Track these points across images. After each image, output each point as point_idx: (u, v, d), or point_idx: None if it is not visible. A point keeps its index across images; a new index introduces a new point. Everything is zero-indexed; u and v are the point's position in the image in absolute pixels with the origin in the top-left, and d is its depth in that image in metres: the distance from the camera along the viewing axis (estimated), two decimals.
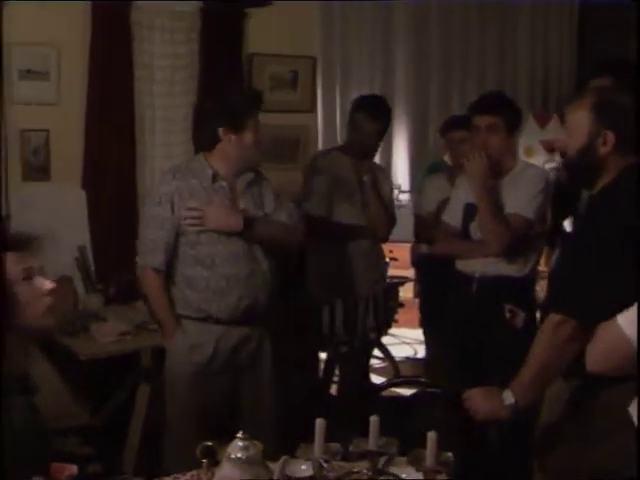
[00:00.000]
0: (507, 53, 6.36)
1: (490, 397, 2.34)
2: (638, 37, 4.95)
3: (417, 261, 4.80)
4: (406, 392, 5.11)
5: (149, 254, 3.09)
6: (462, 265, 3.46)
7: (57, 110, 4.10)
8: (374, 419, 1.94)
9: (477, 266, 3.38)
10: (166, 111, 4.42)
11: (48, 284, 2.05)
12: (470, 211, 3.41)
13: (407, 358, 6.23)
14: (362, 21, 5.59)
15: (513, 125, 3.39)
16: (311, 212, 3.84)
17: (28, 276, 2.01)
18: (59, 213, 4.05)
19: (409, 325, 6.06)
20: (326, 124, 5.31)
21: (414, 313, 6.35)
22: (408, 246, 5.11)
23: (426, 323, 4.84)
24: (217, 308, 3.07)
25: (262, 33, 4.62)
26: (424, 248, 4.61)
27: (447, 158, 5.26)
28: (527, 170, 3.38)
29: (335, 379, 4.48)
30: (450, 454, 1.93)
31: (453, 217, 3.50)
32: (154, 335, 3.49)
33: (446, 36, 5.98)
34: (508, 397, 2.29)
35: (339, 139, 5.60)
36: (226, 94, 3.13)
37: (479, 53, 6.23)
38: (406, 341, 6.43)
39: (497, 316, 3.35)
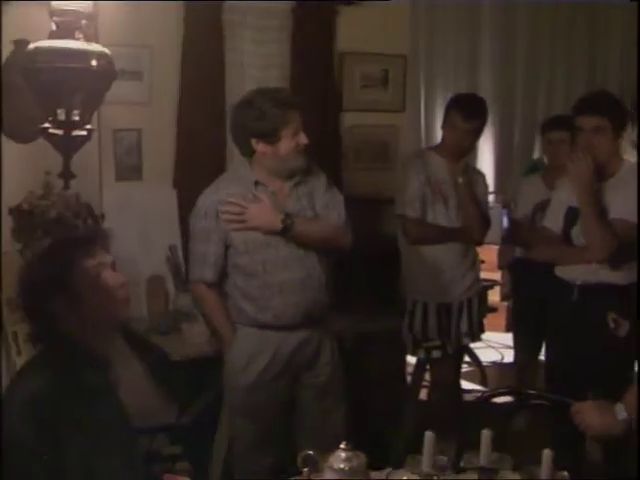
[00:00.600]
0: (598, 53, 6.17)
1: (602, 411, 2.23)
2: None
3: (510, 265, 4.67)
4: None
5: (198, 268, 3.04)
6: (562, 271, 3.34)
7: (149, 110, 4.11)
8: (486, 433, 1.85)
9: (579, 273, 3.25)
10: None
11: (120, 277, 2.06)
12: (572, 215, 3.29)
13: (494, 363, 6.10)
14: (449, 20, 5.49)
15: (620, 126, 3.23)
16: (406, 214, 3.76)
17: (100, 270, 2.02)
18: (151, 212, 4.08)
19: (495, 329, 5.92)
20: (411, 124, 5.22)
21: (501, 317, 6.24)
22: (495, 248, 4.99)
23: (518, 328, 4.71)
24: (272, 315, 3.00)
25: (353, 31, 4.55)
26: (518, 251, 4.50)
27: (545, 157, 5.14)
28: (633, 172, 3.22)
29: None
30: (566, 473, 1.83)
31: (554, 221, 3.38)
32: None
33: (533, 36, 5.84)
34: (621, 412, 2.18)
35: (423, 139, 5.52)
36: (256, 104, 2.96)
37: (566, 53, 6.07)
38: (492, 345, 6.29)
39: (600, 325, 3.22)
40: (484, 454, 1.85)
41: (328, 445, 2.27)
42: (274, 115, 2.91)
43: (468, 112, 3.69)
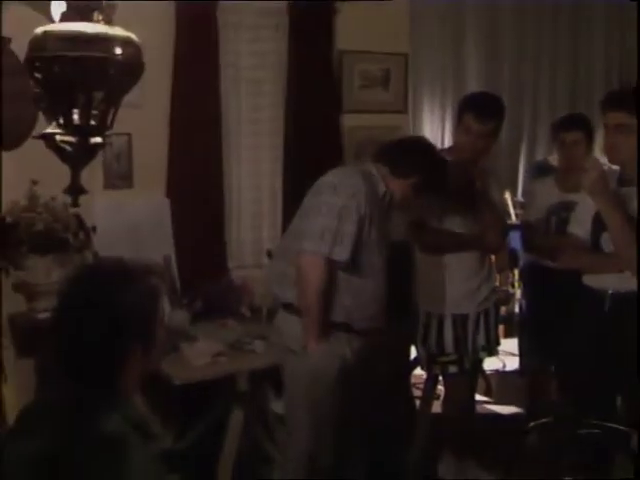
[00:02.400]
0: (580, 53, 6.08)
1: None
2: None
3: (521, 270, 4.49)
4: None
5: (335, 245, 2.86)
6: (592, 280, 3.12)
7: (140, 113, 3.84)
8: None
9: (610, 281, 3.04)
10: (253, 112, 4.20)
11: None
12: (601, 220, 3.07)
13: (496, 371, 5.90)
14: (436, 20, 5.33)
15: None
16: (419, 220, 3.54)
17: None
18: (142, 223, 3.85)
19: None
20: (414, 125, 5.03)
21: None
22: None
23: (528, 336, 4.51)
24: (367, 318, 3.01)
25: (352, 29, 4.39)
26: (528, 257, 4.32)
27: (552, 159, 4.95)
28: None
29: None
30: None
31: (581, 228, 3.16)
32: (251, 356, 3.26)
33: (519, 37, 5.74)
34: None
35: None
36: (421, 155, 3.09)
37: (551, 52, 6.00)
38: None
39: (632, 336, 3.01)
40: None
41: None
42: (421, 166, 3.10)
43: (483, 113, 3.45)
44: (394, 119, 4.58)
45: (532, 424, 2.32)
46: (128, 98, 3.68)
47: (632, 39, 6.18)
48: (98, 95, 2.09)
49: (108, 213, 3.71)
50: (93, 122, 2.11)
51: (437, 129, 5.37)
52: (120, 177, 3.88)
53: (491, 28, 5.57)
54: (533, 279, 4.30)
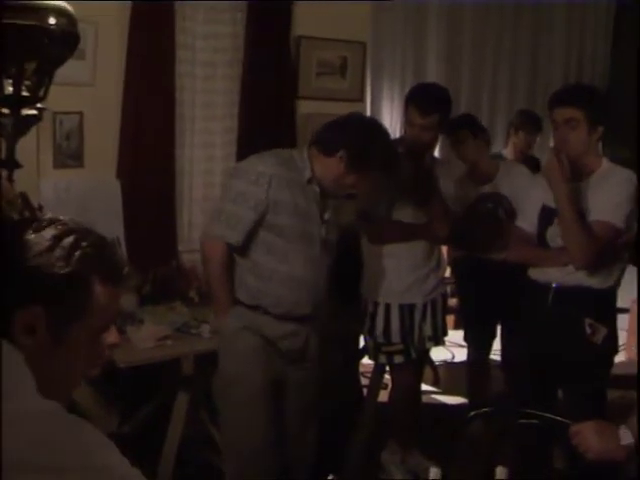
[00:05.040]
0: (540, 50, 6.14)
1: (604, 434, 2.04)
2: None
3: (462, 262, 4.50)
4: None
5: (228, 228, 2.88)
6: (536, 273, 3.15)
7: (92, 91, 3.81)
8: (501, 471, 1.63)
9: (554, 275, 3.07)
10: (208, 96, 4.14)
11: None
12: (547, 214, 3.10)
13: (445, 362, 5.95)
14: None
15: (596, 121, 3.04)
16: (367, 210, 3.54)
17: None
18: (92, 203, 3.78)
19: None
20: (373, 114, 5.00)
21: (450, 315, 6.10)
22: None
23: (477, 328, 4.55)
24: (271, 302, 2.92)
25: (311, 16, 4.34)
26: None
27: (507, 152, 4.99)
28: (614, 172, 3.04)
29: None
30: None
31: (528, 221, 3.19)
32: (197, 340, 3.23)
33: (480, 30, 5.75)
34: (626, 436, 1.99)
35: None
36: (367, 141, 2.88)
37: (511, 48, 6.01)
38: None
39: (575, 330, 3.05)
40: None
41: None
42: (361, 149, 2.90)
43: (425, 107, 3.43)
44: (351, 107, 4.52)
45: (472, 413, 2.34)
46: (80, 76, 3.69)
47: (590, 39, 6.30)
48: (31, 66, 2.04)
49: (56, 192, 3.65)
50: (26, 93, 2.07)
51: (396, 119, 5.35)
52: (70, 156, 3.81)
53: (452, 21, 5.57)
54: (460, 270, 4.36)
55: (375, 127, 3.02)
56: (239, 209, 2.85)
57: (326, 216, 2.98)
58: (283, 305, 2.92)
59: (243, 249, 2.91)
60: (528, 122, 4.94)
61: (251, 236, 2.89)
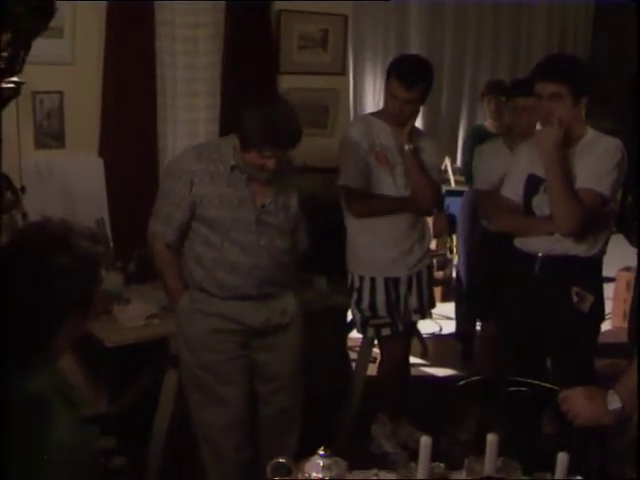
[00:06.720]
0: (522, 20, 6.16)
1: (593, 399, 2.05)
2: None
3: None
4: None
5: (162, 226, 3.01)
6: (522, 243, 3.16)
7: (72, 70, 3.77)
8: (491, 438, 1.63)
9: (540, 244, 3.08)
10: (189, 72, 4.08)
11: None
12: (533, 183, 3.10)
13: (433, 334, 5.97)
14: None
15: (579, 92, 3.03)
16: (350, 184, 3.52)
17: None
18: (75, 183, 3.75)
19: None
20: (356, 88, 4.99)
21: (437, 287, 6.11)
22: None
23: (468, 300, 4.56)
24: (218, 287, 2.96)
25: None
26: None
27: (487, 124, 4.98)
28: (600, 140, 3.04)
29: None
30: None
31: (514, 190, 3.18)
32: None
33: (461, 7, 5.75)
34: (614, 401, 2.00)
35: (370, 104, 5.29)
36: (246, 118, 2.80)
37: (493, 19, 6.06)
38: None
39: (562, 299, 3.07)
40: (490, 461, 1.64)
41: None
42: (257, 137, 2.80)
43: (407, 80, 3.41)
44: (332, 81, 4.53)
45: (461, 382, 2.35)
46: (59, 55, 3.65)
47: (572, 8, 6.31)
48: (6, 37, 2.01)
49: (39, 173, 3.62)
50: (2, 66, 2.04)
51: (379, 91, 5.33)
52: (52, 136, 3.77)
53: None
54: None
55: (262, 108, 2.85)
56: (169, 207, 2.95)
57: (266, 201, 2.95)
58: (226, 290, 2.95)
59: (183, 241, 3.00)
60: (494, 89, 4.93)
61: (188, 229, 2.97)
